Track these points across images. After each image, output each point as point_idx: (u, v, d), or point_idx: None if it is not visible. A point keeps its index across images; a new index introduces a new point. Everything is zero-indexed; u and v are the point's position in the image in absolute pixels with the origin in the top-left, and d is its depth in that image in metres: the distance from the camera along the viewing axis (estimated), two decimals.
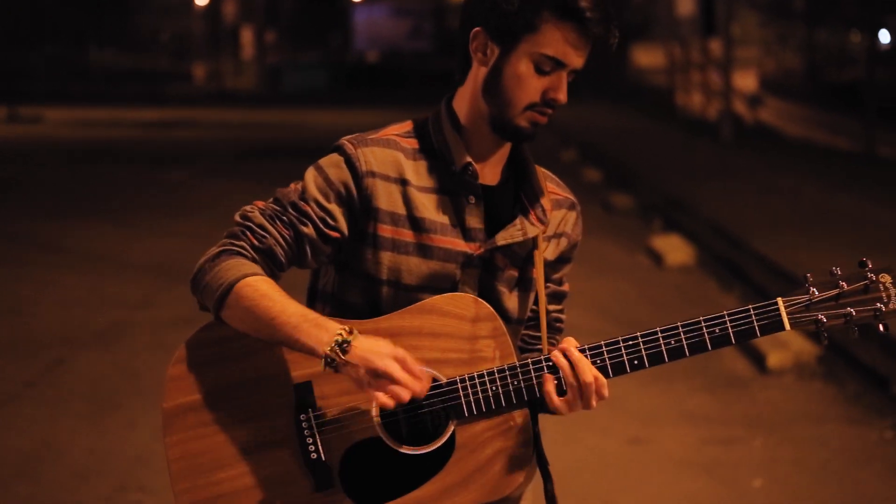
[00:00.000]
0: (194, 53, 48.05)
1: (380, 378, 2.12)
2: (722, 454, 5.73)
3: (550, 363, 2.25)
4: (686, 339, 2.25)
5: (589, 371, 2.22)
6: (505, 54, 2.27)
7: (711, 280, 9.86)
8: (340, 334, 2.14)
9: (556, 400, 2.24)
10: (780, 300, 2.27)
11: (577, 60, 2.26)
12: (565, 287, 2.51)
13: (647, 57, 42.28)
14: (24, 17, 39.43)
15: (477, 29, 2.29)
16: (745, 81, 29.43)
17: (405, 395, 2.12)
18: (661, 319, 2.34)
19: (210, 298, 2.24)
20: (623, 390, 6.40)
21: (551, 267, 2.46)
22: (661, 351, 2.25)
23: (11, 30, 32.60)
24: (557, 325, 2.52)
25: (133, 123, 26.01)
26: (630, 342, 2.25)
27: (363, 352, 2.13)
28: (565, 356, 2.23)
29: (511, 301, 2.40)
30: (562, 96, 2.27)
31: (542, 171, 2.47)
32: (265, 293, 2.21)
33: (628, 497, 5.26)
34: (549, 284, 2.47)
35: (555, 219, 2.44)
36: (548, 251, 2.43)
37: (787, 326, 2.26)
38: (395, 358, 2.13)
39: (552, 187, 2.47)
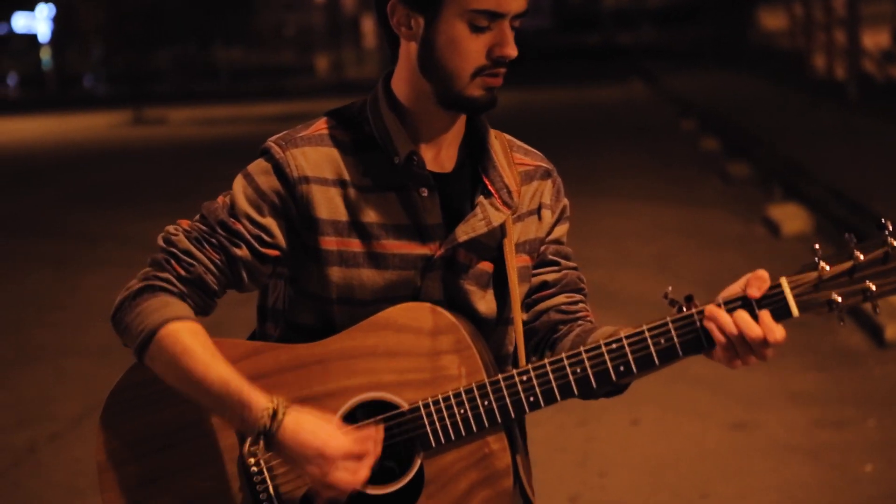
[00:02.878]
0: (316, 46, 48.41)
1: None
2: (832, 437, 5.36)
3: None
4: (678, 336, 1.93)
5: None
6: (431, 22, 1.97)
7: (830, 249, 9.35)
8: (267, 409, 1.93)
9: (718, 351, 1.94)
10: (784, 280, 1.92)
11: (515, 3, 1.96)
12: (566, 247, 2.21)
13: (774, 19, 41.10)
14: (149, 20, 40.19)
15: (392, 2, 1.99)
16: (878, 38, 28.24)
17: None
18: None
19: (131, 343, 2.00)
20: (726, 372, 6.04)
21: (543, 237, 2.16)
22: (651, 353, 1.95)
23: (137, 33, 33.31)
24: (581, 284, 2.20)
25: (254, 119, 26.20)
26: (607, 347, 1.96)
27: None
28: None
29: (484, 302, 2.09)
30: (510, 50, 1.97)
31: (506, 141, 2.16)
32: (186, 348, 1.96)
33: (728, 487, 4.93)
34: (549, 246, 2.17)
35: (527, 194, 2.13)
36: (531, 230, 2.13)
37: (796, 312, 1.90)
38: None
39: (519, 157, 2.15)
